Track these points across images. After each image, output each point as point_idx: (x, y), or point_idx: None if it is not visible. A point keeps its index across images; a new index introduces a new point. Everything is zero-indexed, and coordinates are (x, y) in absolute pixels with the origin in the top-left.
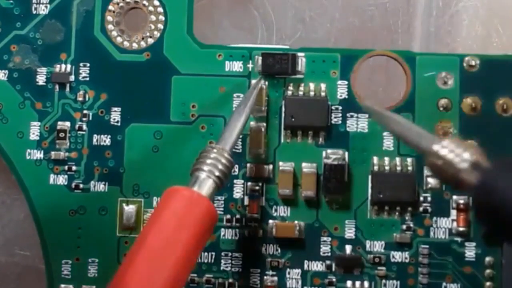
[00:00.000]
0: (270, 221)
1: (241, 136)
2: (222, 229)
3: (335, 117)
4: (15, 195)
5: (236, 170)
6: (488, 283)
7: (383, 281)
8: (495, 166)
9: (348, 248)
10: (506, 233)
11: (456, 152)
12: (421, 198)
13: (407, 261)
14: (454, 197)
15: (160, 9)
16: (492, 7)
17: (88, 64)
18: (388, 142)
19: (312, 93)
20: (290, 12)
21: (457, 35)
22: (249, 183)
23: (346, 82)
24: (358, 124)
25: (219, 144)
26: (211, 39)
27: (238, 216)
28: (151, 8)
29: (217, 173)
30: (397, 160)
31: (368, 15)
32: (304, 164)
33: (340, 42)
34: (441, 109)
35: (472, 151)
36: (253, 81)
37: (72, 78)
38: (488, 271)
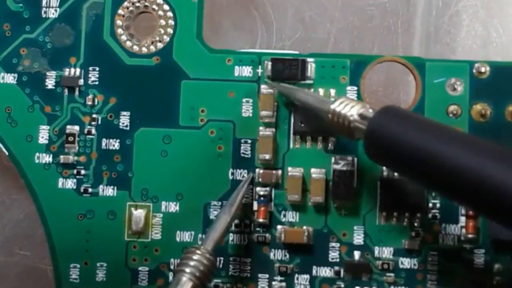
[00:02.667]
0: (279, 227)
1: (250, 142)
2: (231, 234)
3: None
4: (14, 195)
5: (245, 175)
6: None
7: (392, 287)
8: (378, 115)
9: (357, 254)
10: (392, 168)
11: (348, 108)
12: (430, 205)
13: (415, 267)
14: None
15: (170, 14)
16: (491, 7)
17: (97, 68)
18: None
19: None
20: (290, 12)
21: (457, 35)
22: (257, 188)
23: (355, 88)
24: None
25: (203, 244)
26: (211, 38)
27: (246, 221)
28: (160, 12)
29: (198, 275)
30: None
31: (368, 15)
32: (313, 170)
33: (339, 42)
34: (451, 115)
35: (360, 106)
36: (242, 182)
37: (81, 82)
38: (497, 278)
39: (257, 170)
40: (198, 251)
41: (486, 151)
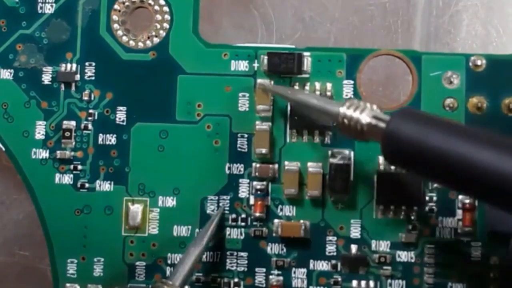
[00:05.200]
0: (276, 221)
1: (246, 136)
2: (228, 229)
3: None
4: (14, 195)
5: (242, 169)
6: (493, 283)
7: (389, 280)
8: (394, 117)
9: (354, 248)
10: (412, 170)
11: (358, 111)
12: (427, 198)
13: (412, 260)
14: (460, 196)
15: (166, 9)
16: (492, 6)
17: (93, 63)
18: None
19: (318, 93)
20: (290, 12)
21: (457, 35)
22: (254, 183)
23: (352, 82)
24: None
25: (171, 279)
26: (211, 38)
27: (243, 215)
28: (156, 7)
29: None
30: None
31: (368, 14)
32: (309, 164)
33: (340, 42)
34: (447, 108)
35: (369, 108)
36: (213, 214)
37: (77, 77)
38: (493, 271)
39: (253, 164)
40: (165, 287)
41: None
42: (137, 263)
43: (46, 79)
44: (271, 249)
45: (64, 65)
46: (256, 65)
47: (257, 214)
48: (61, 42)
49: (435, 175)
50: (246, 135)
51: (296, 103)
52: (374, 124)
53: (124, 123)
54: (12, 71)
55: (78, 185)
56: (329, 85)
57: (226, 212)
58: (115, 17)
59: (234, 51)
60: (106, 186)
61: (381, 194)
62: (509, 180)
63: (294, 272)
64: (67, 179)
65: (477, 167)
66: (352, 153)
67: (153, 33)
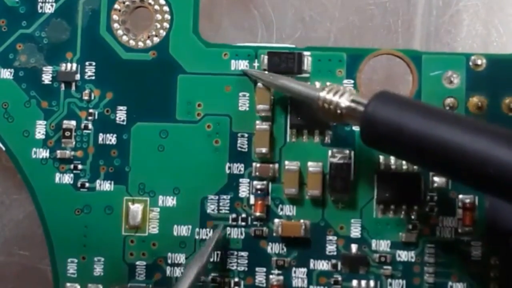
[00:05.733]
0: (276, 220)
1: (246, 136)
2: (228, 228)
3: None
4: (14, 195)
5: (242, 169)
6: (494, 282)
7: (389, 280)
8: (372, 100)
9: (354, 247)
10: (391, 152)
11: (337, 95)
12: (427, 197)
13: (413, 260)
14: (460, 196)
15: (166, 8)
16: (492, 6)
17: (93, 63)
18: None
19: None
20: (290, 12)
21: (457, 35)
22: (254, 182)
23: (352, 81)
24: None
25: None
26: (211, 38)
27: (244, 215)
28: (157, 7)
29: None
30: None
31: (368, 14)
32: (309, 163)
33: (340, 42)
34: (447, 108)
35: (348, 92)
36: (212, 233)
37: (77, 77)
38: (494, 270)
39: (254, 164)
40: None
41: (489, 131)
42: (137, 262)
43: (46, 78)
44: (272, 248)
45: (64, 64)
46: (256, 64)
47: (258, 214)
48: (61, 41)
49: (412, 157)
50: (246, 135)
51: (278, 88)
52: (353, 107)
53: (124, 123)
54: (12, 70)
55: (78, 185)
56: None
57: (227, 211)
58: (115, 17)
59: (234, 51)
60: (106, 186)
61: (381, 194)
62: (485, 162)
63: (295, 272)
64: (67, 178)
65: (453, 148)
66: (352, 153)
67: (153, 33)
